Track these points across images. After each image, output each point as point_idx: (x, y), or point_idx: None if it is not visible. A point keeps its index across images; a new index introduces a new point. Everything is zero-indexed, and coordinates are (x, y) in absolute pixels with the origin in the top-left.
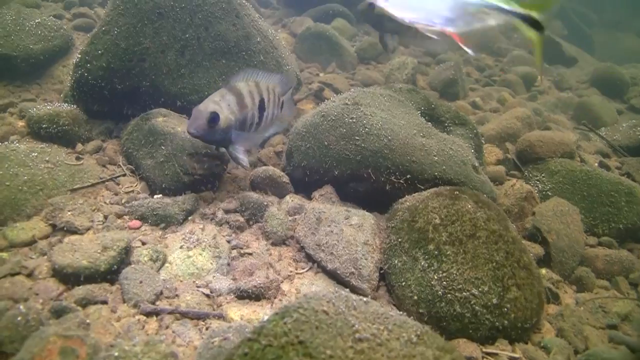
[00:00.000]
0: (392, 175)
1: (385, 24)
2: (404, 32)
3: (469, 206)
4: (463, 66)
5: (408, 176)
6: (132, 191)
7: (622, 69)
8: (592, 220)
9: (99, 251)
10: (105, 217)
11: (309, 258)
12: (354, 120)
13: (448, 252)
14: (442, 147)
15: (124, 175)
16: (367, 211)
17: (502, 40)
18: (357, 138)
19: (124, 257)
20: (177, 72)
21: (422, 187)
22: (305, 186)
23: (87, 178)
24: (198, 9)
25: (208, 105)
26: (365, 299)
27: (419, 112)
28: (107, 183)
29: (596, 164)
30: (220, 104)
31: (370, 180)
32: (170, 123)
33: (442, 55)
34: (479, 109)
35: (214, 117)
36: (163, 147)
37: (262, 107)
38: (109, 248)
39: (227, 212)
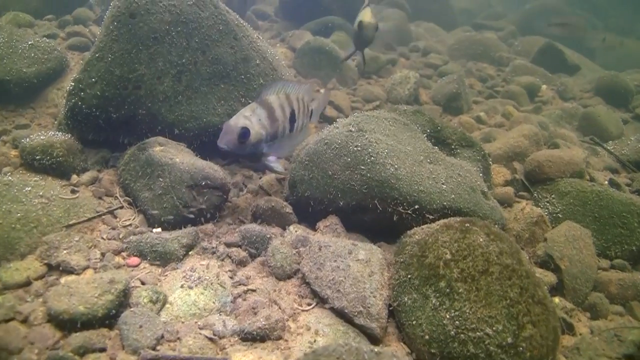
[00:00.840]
0: (399, 205)
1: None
2: None
3: (481, 240)
4: (465, 77)
5: (416, 206)
6: (130, 225)
7: (625, 75)
8: (604, 243)
9: (96, 295)
10: (103, 255)
11: (315, 293)
12: (359, 149)
13: (460, 290)
14: (450, 174)
15: (122, 207)
16: (374, 241)
17: (502, 48)
18: (362, 167)
19: (123, 299)
20: (174, 99)
21: (431, 217)
22: (309, 216)
23: (83, 212)
24: (195, 32)
25: (239, 121)
26: (377, 349)
27: (424, 135)
28: (104, 217)
29: (606, 182)
30: (251, 119)
31: (376, 211)
32: (168, 153)
33: (443, 67)
34: (484, 123)
35: (244, 133)
36: (161, 179)
37: (293, 119)
38: (106, 291)
39: (228, 245)
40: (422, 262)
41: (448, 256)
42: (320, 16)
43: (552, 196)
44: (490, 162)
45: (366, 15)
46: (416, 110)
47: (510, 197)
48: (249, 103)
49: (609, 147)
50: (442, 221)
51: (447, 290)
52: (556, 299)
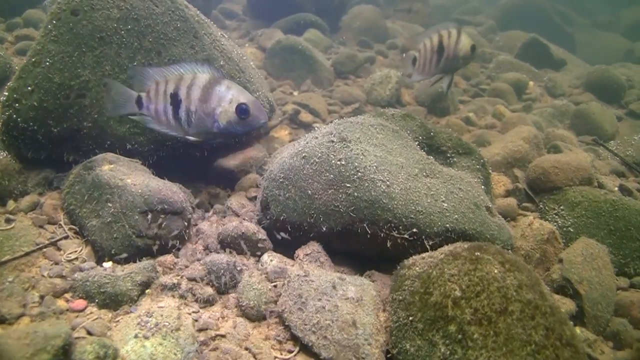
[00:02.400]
0: (393, 230)
1: None
2: None
3: (495, 271)
4: None
5: (414, 230)
6: (77, 259)
7: (613, 68)
8: (622, 259)
9: (27, 356)
10: (42, 298)
11: (297, 338)
12: (343, 163)
13: (475, 335)
14: (451, 189)
15: (66, 237)
16: (363, 269)
17: (483, 44)
18: (347, 185)
19: (62, 358)
20: None
21: (432, 243)
22: (285, 240)
23: (20, 245)
24: (148, 31)
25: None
26: None
27: (416, 142)
28: (45, 249)
29: (616, 189)
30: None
31: (366, 237)
32: (119, 172)
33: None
34: (474, 125)
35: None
36: (110, 204)
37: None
38: (41, 349)
39: (192, 280)
40: (426, 300)
41: (457, 293)
42: (292, 13)
43: (561, 207)
44: (490, 171)
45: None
46: (405, 114)
47: (513, 209)
48: None
49: (611, 148)
50: (446, 248)
51: (459, 335)
52: (577, 330)
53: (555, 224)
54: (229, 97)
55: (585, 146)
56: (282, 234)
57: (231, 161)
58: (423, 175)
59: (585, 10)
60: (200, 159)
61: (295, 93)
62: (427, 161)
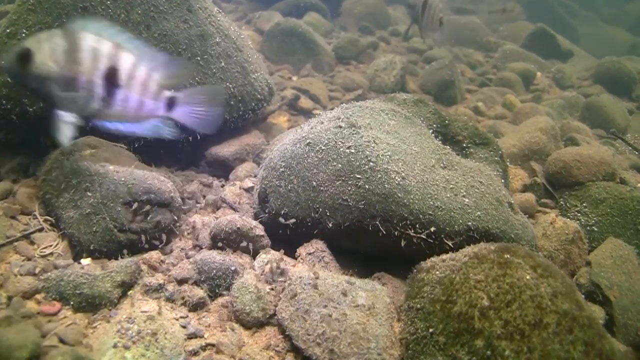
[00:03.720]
0: (409, 227)
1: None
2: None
3: (527, 277)
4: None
5: (432, 229)
6: (51, 254)
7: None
8: None
9: None
10: (10, 299)
11: (299, 350)
12: (353, 151)
13: (505, 352)
14: (471, 182)
15: (41, 229)
16: (371, 269)
17: (488, 33)
18: (358, 176)
19: None
20: None
21: (451, 242)
22: (286, 237)
23: None
24: (136, 2)
25: (27, 40)
26: None
27: (431, 130)
28: (17, 243)
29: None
30: (42, 44)
31: (378, 235)
32: (101, 158)
33: (429, 52)
34: (483, 115)
35: (26, 54)
36: (89, 193)
37: (112, 81)
38: None
39: (180, 282)
40: (448, 310)
41: (485, 302)
42: None
43: (584, 204)
44: (508, 164)
45: None
46: (418, 99)
47: (532, 205)
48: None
49: (629, 141)
50: (470, 250)
51: (487, 351)
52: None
53: (577, 222)
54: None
55: (600, 139)
56: (290, 221)
57: (225, 149)
58: (440, 166)
59: (588, 2)
60: (192, 145)
61: (295, 78)
62: (443, 151)
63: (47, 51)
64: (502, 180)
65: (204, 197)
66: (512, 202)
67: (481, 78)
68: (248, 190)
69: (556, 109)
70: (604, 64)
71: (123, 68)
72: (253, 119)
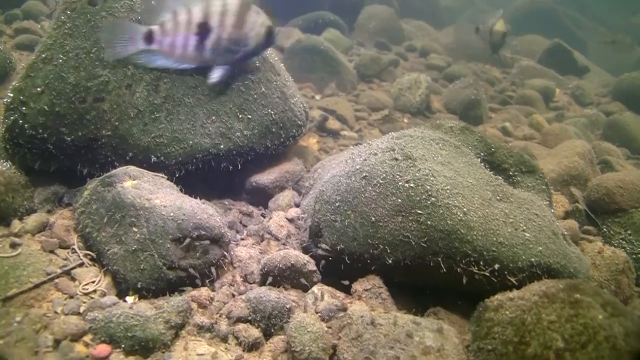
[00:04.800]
0: (472, 265)
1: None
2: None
3: (600, 317)
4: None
5: (496, 266)
6: (94, 291)
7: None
8: None
9: None
10: (57, 342)
11: None
12: (412, 185)
13: None
14: (528, 215)
15: (82, 264)
16: (425, 305)
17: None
18: (419, 212)
19: None
20: (149, 115)
21: (514, 279)
22: (337, 271)
23: (28, 275)
24: None
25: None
26: None
27: (479, 159)
28: (57, 280)
29: None
30: None
31: (438, 271)
32: (144, 190)
33: (449, 69)
34: (511, 135)
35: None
36: (135, 229)
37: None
38: None
39: (233, 320)
40: (522, 352)
41: (560, 344)
42: (308, 11)
43: (628, 232)
44: (552, 191)
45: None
46: (464, 127)
47: (575, 233)
48: (248, 119)
49: None
50: (537, 288)
51: None
52: None
53: (623, 250)
54: (260, 21)
55: (627, 159)
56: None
57: (265, 176)
58: (496, 199)
59: (594, 15)
60: (229, 173)
61: (317, 97)
62: (496, 182)
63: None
64: (552, 211)
65: (244, 226)
66: (565, 233)
67: (502, 96)
68: (291, 220)
69: (580, 128)
70: (623, 80)
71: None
72: (290, 143)
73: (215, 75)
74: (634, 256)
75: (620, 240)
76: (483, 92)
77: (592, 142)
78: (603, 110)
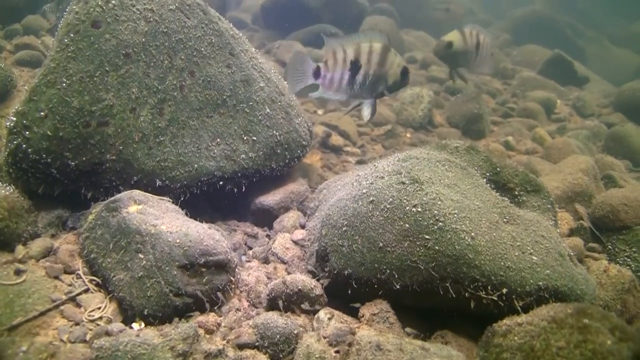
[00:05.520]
0: (480, 289)
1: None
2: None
3: (609, 342)
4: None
5: (504, 290)
6: (100, 318)
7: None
8: None
9: None
10: None
11: None
12: (420, 210)
13: None
14: (535, 238)
15: (87, 290)
16: (431, 328)
17: (502, 59)
18: (427, 237)
19: None
20: (154, 139)
21: (522, 303)
22: (344, 294)
23: (33, 303)
24: (179, 47)
25: None
26: None
27: (484, 179)
28: (62, 307)
29: None
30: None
31: (446, 296)
32: (150, 216)
33: (450, 82)
34: (514, 150)
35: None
36: (141, 255)
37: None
38: None
39: (241, 347)
40: None
41: None
42: (308, 24)
43: (633, 249)
44: (557, 209)
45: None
46: (469, 147)
47: (580, 251)
48: (253, 140)
49: None
50: (545, 312)
51: None
52: None
53: (628, 267)
54: (397, 61)
55: (630, 172)
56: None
57: (270, 197)
58: (503, 221)
59: (594, 23)
60: (234, 194)
61: (320, 112)
62: (503, 204)
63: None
64: (558, 230)
65: (250, 248)
66: (572, 253)
67: (503, 108)
68: (297, 242)
69: (582, 141)
70: (624, 91)
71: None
72: (294, 162)
73: (366, 113)
74: (639, 274)
75: (626, 258)
76: (485, 106)
77: (595, 155)
78: (604, 121)
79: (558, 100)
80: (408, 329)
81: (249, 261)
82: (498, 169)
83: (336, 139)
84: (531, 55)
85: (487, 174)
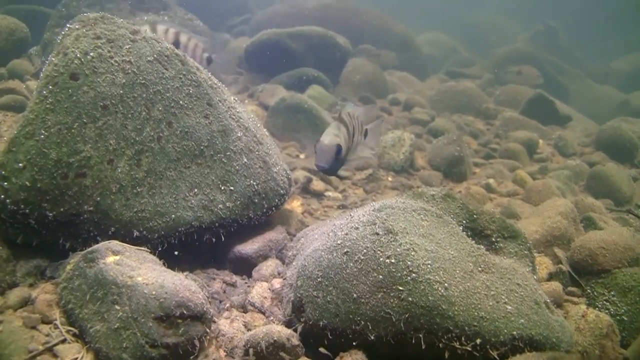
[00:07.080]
0: (454, 340)
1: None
2: None
3: None
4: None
5: (478, 341)
6: None
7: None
8: None
9: None
10: None
11: None
12: (393, 261)
13: None
14: (510, 286)
15: (64, 341)
16: None
17: (485, 99)
18: (400, 288)
19: None
20: (131, 190)
21: (496, 353)
22: (320, 344)
23: (10, 355)
24: (157, 98)
25: (333, 140)
26: None
27: (460, 227)
28: (39, 357)
29: None
30: (339, 137)
31: (420, 347)
32: (127, 267)
33: (432, 124)
34: (494, 192)
35: (339, 150)
36: (118, 307)
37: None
38: None
39: None
40: None
41: None
42: (291, 67)
43: (612, 293)
44: (535, 255)
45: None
46: (446, 194)
47: (559, 295)
48: (230, 190)
49: None
50: None
51: None
52: None
53: (606, 311)
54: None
55: (610, 212)
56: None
57: (249, 246)
58: (478, 270)
59: (574, 60)
60: (209, 243)
61: (302, 156)
62: (478, 252)
63: (343, 140)
64: (535, 276)
65: (227, 296)
66: (548, 300)
67: (485, 149)
68: (274, 291)
69: (563, 181)
70: (605, 130)
71: (356, 125)
72: (272, 210)
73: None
74: (618, 317)
75: (604, 302)
76: (467, 148)
77: (576, 195)
78: (586, 160)
79: (540, 140)
80: None
81: (227, 310)
82: (475, 216)
83: (317, 184)
84: (513, 94)
85: (464, 222)
